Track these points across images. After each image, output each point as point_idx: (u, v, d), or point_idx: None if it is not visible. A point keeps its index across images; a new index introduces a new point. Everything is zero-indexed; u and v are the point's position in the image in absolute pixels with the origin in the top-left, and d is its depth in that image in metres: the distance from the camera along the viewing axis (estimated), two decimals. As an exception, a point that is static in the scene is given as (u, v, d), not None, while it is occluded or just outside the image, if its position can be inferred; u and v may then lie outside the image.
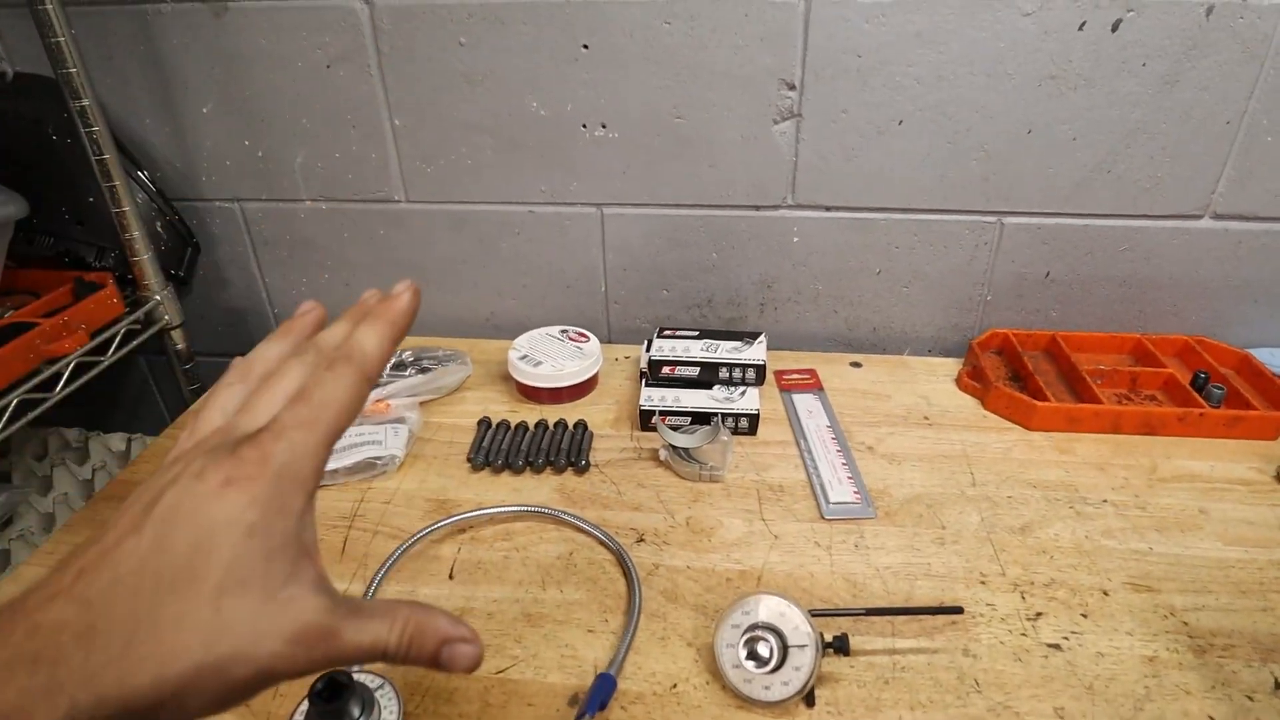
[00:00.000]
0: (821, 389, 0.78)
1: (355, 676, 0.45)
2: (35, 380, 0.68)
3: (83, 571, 0.23)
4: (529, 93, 0.77)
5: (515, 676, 0.49)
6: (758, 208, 0.81)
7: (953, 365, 0.82)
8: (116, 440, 0.88)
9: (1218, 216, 0.76)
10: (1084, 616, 0.52)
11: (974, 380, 0.77)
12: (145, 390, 1.04)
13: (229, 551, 0.24)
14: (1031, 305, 0.83)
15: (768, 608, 0.48)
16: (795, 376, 0.80)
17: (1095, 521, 0.60)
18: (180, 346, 0.88)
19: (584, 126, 0.78)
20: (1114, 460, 0.67)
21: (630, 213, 0.83)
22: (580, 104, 0.77)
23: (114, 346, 0.76)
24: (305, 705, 0.43)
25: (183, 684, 0.22)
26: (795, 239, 0.82)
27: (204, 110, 0.81)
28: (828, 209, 0.80)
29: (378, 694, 0.45)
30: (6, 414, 0.65)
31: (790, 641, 0.46)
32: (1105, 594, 0.54)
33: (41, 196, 0.76)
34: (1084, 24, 0.68)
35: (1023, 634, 0.51)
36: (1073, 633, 0.51)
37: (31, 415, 0.67)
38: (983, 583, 0.55)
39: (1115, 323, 0.83)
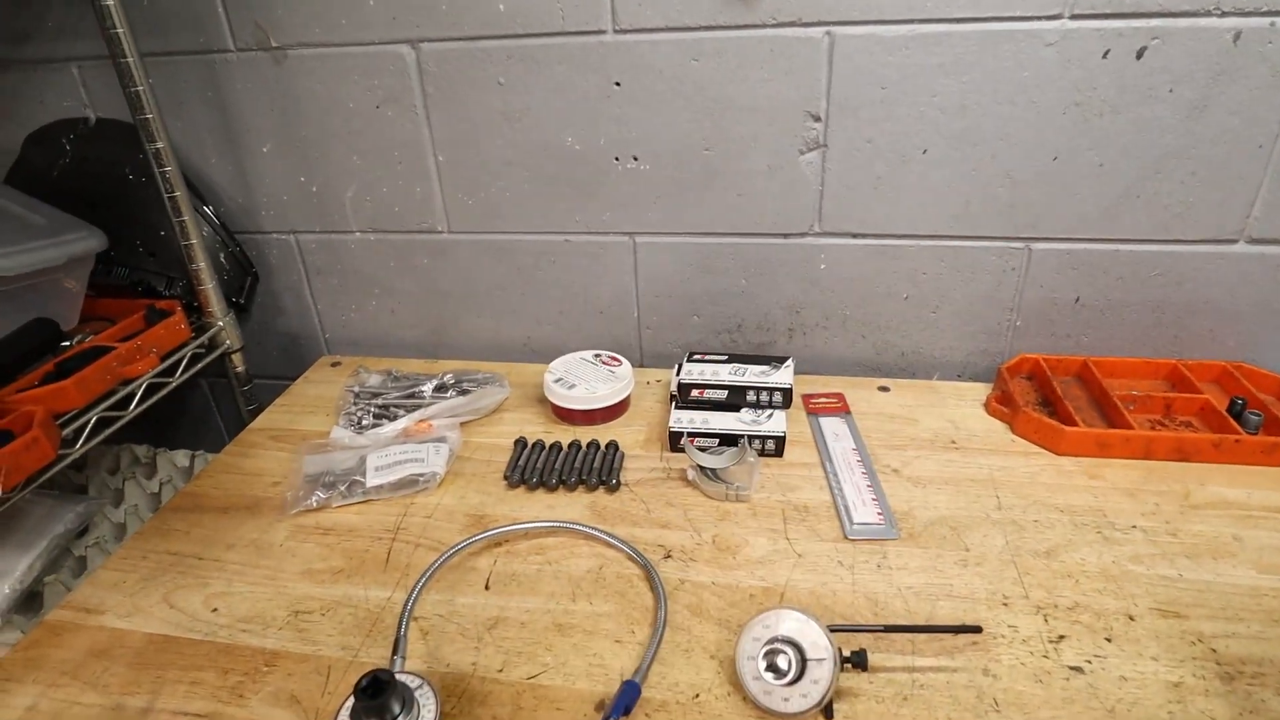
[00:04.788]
0: (849, 413, 0.80)
1: (397, 676, 0.48)
2: (112, 399, 0.74)
3: None
4: (564, 128, 0.81)
5: (545, 682, 0.51)
6: (785, 235, 0.83)
7: (982, 390, 0.82)
8: (181, 456, 0.94)
9: (1253, 241, 0.75)
10: (1108, 640, 0.52)
11: (1002, 405, 0.77)
12: (207, 410, 1.10)
13: None
14: (1062, 330, 0.84)
15: (788, 622, 0.49)
16: (823, 400, 0.82)
17: (1123, 547, 0.60)
18: (240, 369, 0.93)
19: (616, 159, 0.82)
20: (1145, 486, 0.67)
21: (661, 241, 0.86)
22: (612, 138, 0.81)
23: (181, 368, 0.82)
24: (351, 701, 0.46)
25: None
26: (823, 265, 0.84)
27: (264, 149, 0.87)
28: (854, 236, 0.82)
29: (417, 693, 0.48)
30: (87, 430, 0.71)
31: (809, 655, 0.47)
32: (1131, 619, 0.53)
33: (118, 231, 0.83)
34: (1108, 52, 0.69)
35: (1044, 656, 0.51)
36: (1096, 656, 0.51)
37: (108, 432, 0.73)
38: (1005, 605, 0.55)
39: (1150, 348, 0.83)
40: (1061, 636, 0.52)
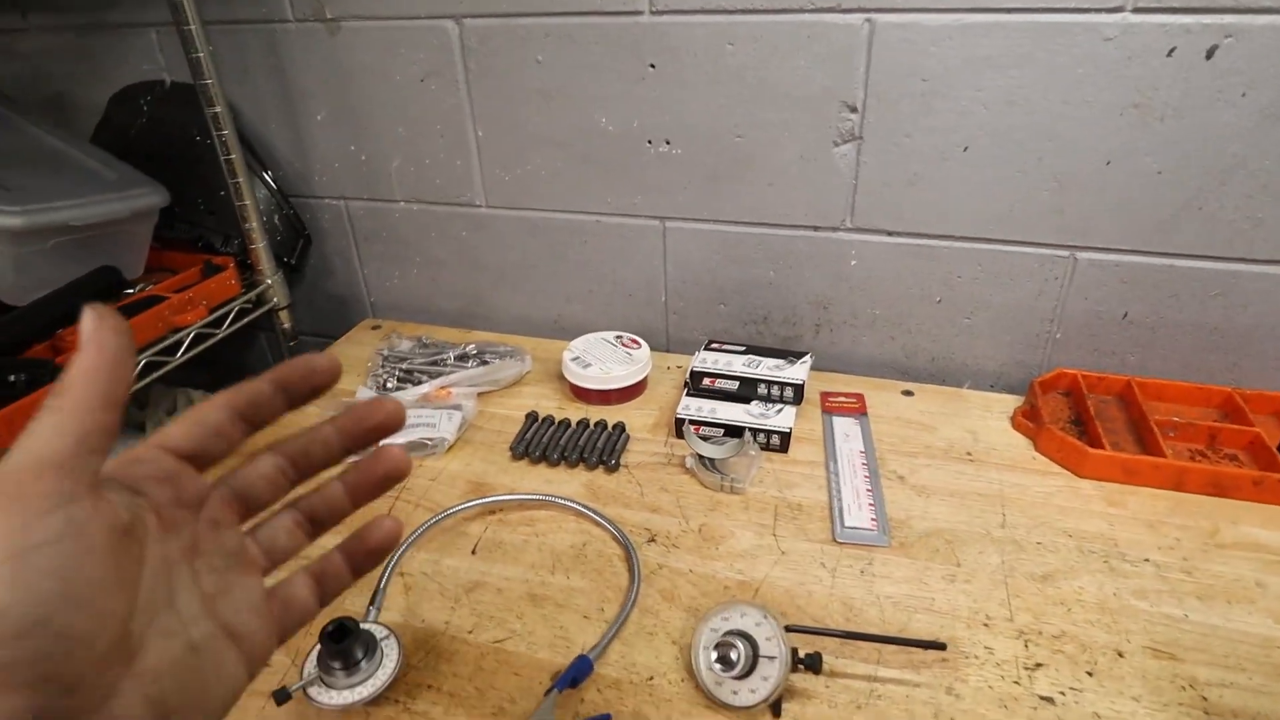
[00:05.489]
0: (865, 414, 0.77)
1: (365, 625, 0.50)
2: (161, 345, 0.80)
3: None
4: (598, 109, 0.81)
5: (510, 648, 0.53)
6: (816, 228, 0.81)
7: (1011, 403, 0.79)
8: (230, 403, 1.00)
9: (1330, 264, 0.69)
10: (1089, 674, 0.49)
11: (1028, 420, 0.74)
12: (264, 362, 1.17)
13: None
14: (1107, 347, 0.79)
15: (745, 617, 0.49)
16: (840, 399, 0.80)
17: (1129, 579, 0.57)
18: (286, 325, 0.99)
19: (649, 142, 0.82)
20: (1169, 519, 0.63)
21: (691, 227, 0.86)
22: (646, 121, 0.80)
23: (228, 321, 0.87)
24: (319, 646, 0.49)
25: None
26: (853, 262, 0.82)
27: (318, 117, 0.91)
28: (888, 234, 0.79)
29: (383, 643, 0.50)
30: (135, 372, 0.76)
31: (761, 652, 0.47)
32: (1119, 655, 0.51)
33: (183, 189, 0.88)
34: (1173, 50, 0.64)
35: (1015, 681, 0.49)
36: (1071, 689, 0.48)
37: (155, 375, 0.78)
38: (986, 625, 0.53)
39: (1203, 373, 0.77)
40: (1039, 664, 0.50)
